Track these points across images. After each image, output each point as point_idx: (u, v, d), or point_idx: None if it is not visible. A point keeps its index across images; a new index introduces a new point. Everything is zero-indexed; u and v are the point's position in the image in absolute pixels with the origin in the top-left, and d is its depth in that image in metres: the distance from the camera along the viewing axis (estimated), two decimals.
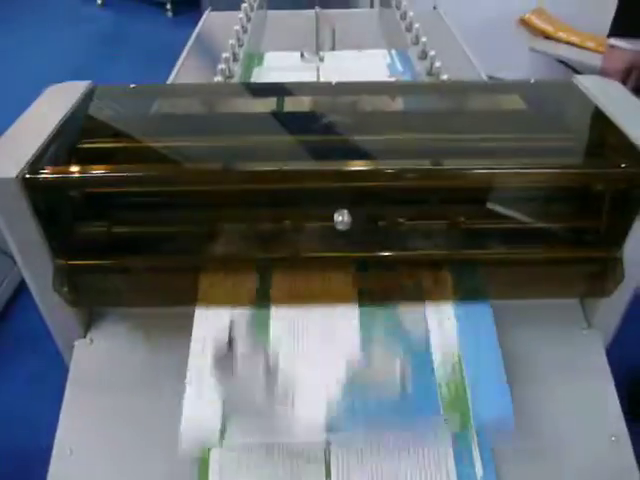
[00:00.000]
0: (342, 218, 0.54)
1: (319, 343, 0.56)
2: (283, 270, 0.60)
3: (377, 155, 0.57)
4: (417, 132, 0.64)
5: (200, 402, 0.54)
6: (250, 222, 0.59)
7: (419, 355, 0.55)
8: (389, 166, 0.55)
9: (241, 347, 0.56)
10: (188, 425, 0.53)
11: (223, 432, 0.52)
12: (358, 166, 0.54)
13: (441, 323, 0.57)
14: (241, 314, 0.58)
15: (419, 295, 0.59)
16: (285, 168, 0.54)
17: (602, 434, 0.57)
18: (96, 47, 3.00)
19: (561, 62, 1.99)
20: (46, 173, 0.52)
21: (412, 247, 0.60)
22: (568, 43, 1.97)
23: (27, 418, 1.24)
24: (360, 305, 0.58)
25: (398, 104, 0.70)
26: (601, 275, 0.59)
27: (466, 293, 0.59)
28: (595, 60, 1.79)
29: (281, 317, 0.58)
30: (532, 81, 0.70)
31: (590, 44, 1.91)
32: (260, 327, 0.57)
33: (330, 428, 0.52)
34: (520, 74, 2.25)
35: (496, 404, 0.53)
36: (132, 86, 0.70)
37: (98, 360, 0.62)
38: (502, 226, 0.60)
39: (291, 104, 0.68)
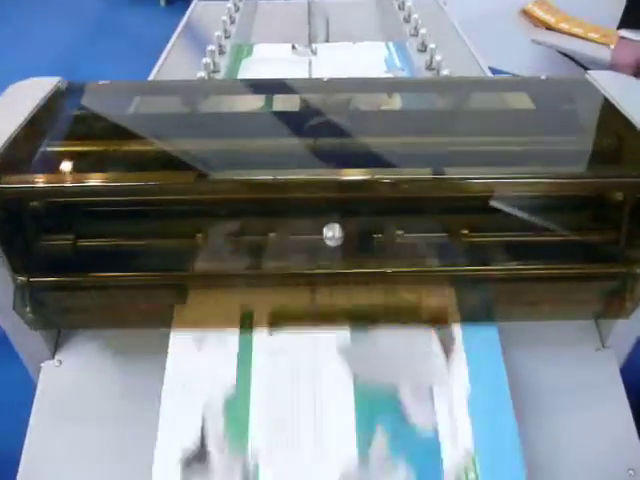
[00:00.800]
0: (333, 233, 0.49)
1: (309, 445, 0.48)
2: (267, 290, 0.55)
3: (373, 162, 0.52)
4: (417, 135, 0.59)
5: None
6: (233, 236, 0.54)
7: (426, 456, 0.47)
8: (386, 175, 0.49)
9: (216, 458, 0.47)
10: None
11: None
12: (351, 175, 0.49)
13: (451, 411, 0.49)
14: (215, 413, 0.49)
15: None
16: (267, 178, 0.49)
17: (619, 467, 0.53)
18: (86, 37, 2.93)
19: (564, 54, 1.93)
20: (3, 182, 0.48)
21: (412, 262, 0.55)
22: (571, 34, 1.91)
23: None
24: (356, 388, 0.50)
25: (396, 103, 0.65)
26: (619, 294, 0.54)
27: (473, 315, 0.54)
28: (599, 52, 1.73)
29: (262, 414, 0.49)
30: (543, 77, 0.65)
31: (594, 35, 1.85)
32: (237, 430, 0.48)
33: None
34: (522, 66, 2.20)
35: None
36: (105, 83, 0.64)
37: (67, 383, 0.58)
38: (512, 240, 0.55)
39: (278, 103, 0.63)
